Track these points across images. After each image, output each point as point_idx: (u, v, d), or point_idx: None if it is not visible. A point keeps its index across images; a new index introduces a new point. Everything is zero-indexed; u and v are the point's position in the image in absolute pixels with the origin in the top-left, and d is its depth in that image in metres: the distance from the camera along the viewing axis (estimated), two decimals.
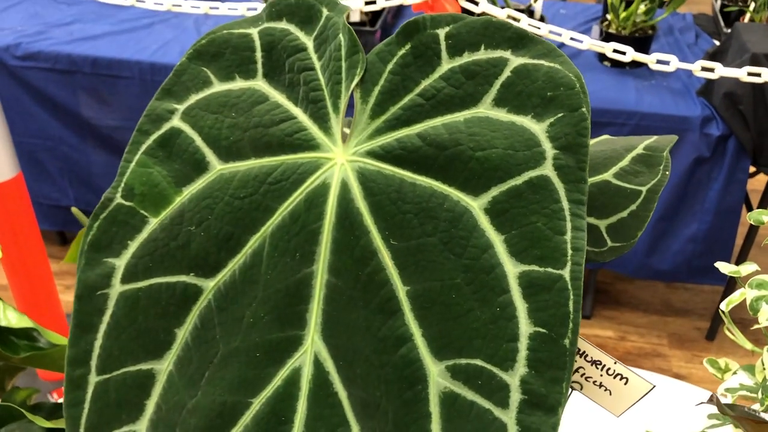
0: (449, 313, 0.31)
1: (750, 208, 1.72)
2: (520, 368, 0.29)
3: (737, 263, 1.61)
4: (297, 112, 0.37)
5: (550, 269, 0.30)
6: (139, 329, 0.36)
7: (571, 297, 0.29)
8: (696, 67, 1.21)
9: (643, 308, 1.98)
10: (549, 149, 0.32)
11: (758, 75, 1.24)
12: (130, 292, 0.36)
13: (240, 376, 0.34)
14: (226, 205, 0.36)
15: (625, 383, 0.37)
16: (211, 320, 0.35)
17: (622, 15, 1.66)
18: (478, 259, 0.31)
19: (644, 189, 0.43)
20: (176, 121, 0.38)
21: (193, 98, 0.39)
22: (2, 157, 1.38)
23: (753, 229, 1.64)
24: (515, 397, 0.29)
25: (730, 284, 1.68)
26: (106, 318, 0.36)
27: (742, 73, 1.25)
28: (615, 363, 0.38)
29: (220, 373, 0.34)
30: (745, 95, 1.42)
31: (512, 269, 0.31)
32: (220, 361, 0.34)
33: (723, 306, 0.60)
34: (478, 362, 0.30)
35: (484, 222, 0.32)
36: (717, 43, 1.79)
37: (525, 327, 0.30)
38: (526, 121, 0.33)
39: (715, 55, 1.61)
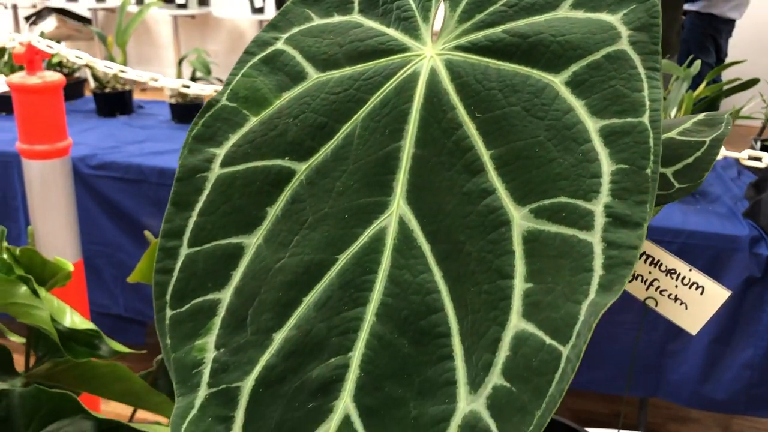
0: (532, 164, 0.33)
1: None
2: (604, 198, 0.31)
3: None
4: (389, 31, 0.41)
5: (629, 119, 0.32)
6: (233, 207, 0.38)
7: (651, 135, 0.31)
8: (743, 156, 1.24)
9: None
10: (624, 30, 0.35)
11: None
12: (227, 175, 0.39)
13: (327, 236, 0.35)
14: (321, 100, 0.39)
15: (701, 293, 0.37)
16: (302, 195, 0.37)
17: None
18: (559, 119, 0.34)
19: (707, 139, 0.45)
20: (280, 45, 0.43)
21: (296, 29, 0.43)
22: (69, 240, 1.44)
23: None
24: (599, 220, 0.30)
25: None
26: (203, 197, 0.39)
27: None
28: (690, 270, 0.38)
29: (308, 236, 0.36)
30: None
31: (593, 125, 0.33)
32: (308, 226, 0.36)
33: None
34: (562, 199, 0.32)
35: (565, 92, 0.34)
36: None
37: (607, 166, 0.32)
38: (602, 15, 0.36)
39: (759, 184, 1.64)
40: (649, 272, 0.41)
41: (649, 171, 0.31)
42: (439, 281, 0.33)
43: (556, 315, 0.29)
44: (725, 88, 1.68)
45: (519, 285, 0.31)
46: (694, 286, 0.39)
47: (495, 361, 0.29)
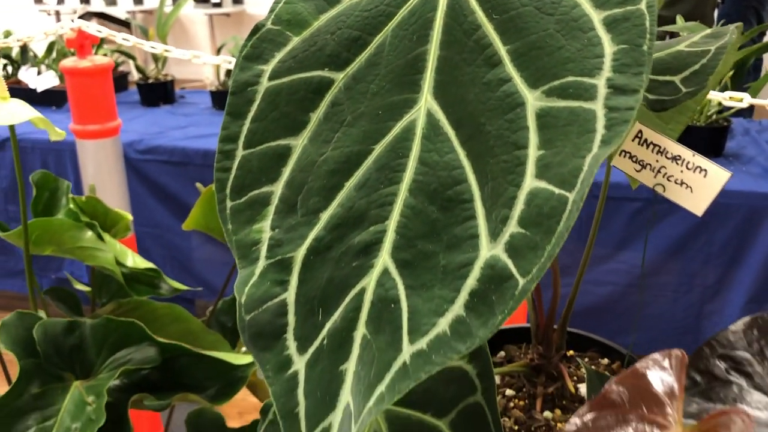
0: (543, 53, 0.37)
1: None
2: (606, 73, 0.35)
3: None
4: None
5: (629, 7, 0.36)
6: (281, 114, 0.43)
7: (648, 17, 0.35)
8: None
9: None
10: None
11: None
12: (275, 86, 0.44)
13: (364, 131, 0.40)
14: (355, 17, 0.44)
15: (705, 175, 0.41)
16: (340, 99, 0.42)
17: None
18: (567, 13, 0.38)
19: (713, 48, 0.48)
20: None
21: None
22: None
23: None
24: (602, 91, 0.34)
25: None
26: (254, 107, 0.44)
27: None
28: (693, 155, 0.41)
29: (347, 132, 0.40)
30: None
31: (597, 16, 0.37)
32: (347, 124, 0.41)
33: None
34: (569, 78, 0.36)
35: None
36: None
37: (609, 48, 0.36)
38: None
39: None
40: (657, 160, 0.44)
41: (645, 48, 0.35)
42: (463, 159, 0.37)
43: (564, 170, 0.33)
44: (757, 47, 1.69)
45: (533, 153, 0.35)
46: (698, 169, 0.43)
47: (512, 214, 0.34)
